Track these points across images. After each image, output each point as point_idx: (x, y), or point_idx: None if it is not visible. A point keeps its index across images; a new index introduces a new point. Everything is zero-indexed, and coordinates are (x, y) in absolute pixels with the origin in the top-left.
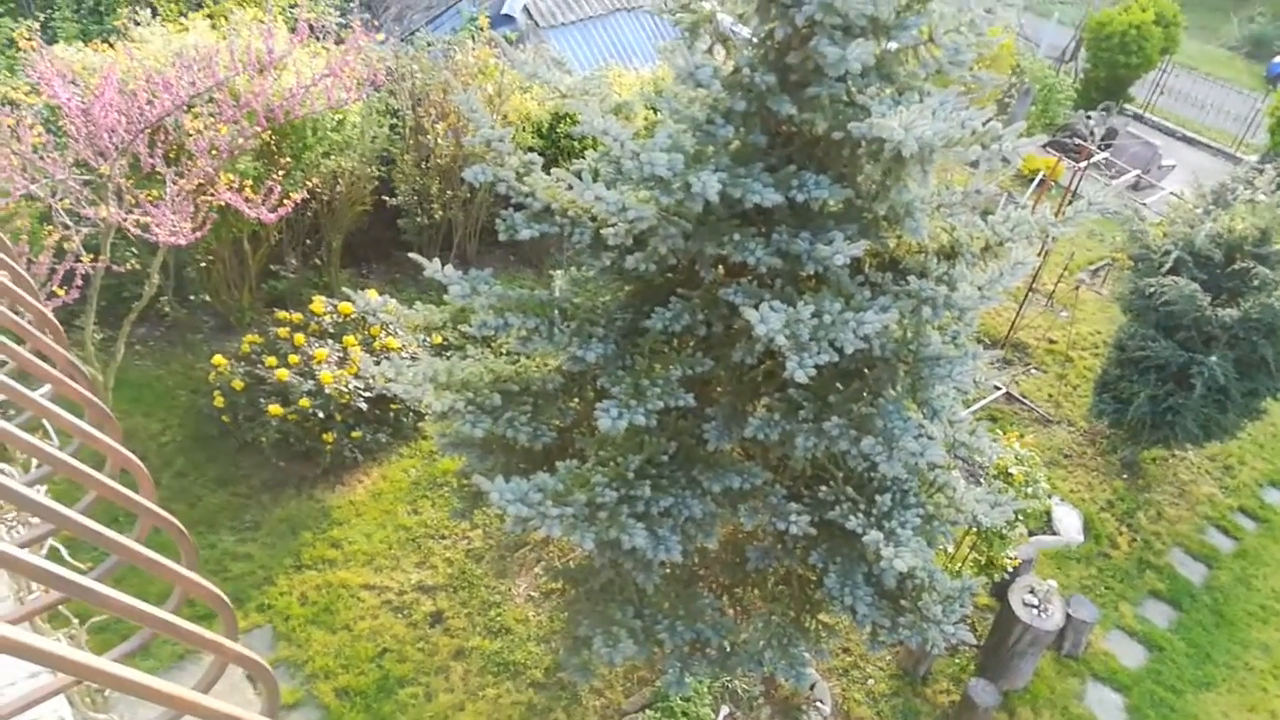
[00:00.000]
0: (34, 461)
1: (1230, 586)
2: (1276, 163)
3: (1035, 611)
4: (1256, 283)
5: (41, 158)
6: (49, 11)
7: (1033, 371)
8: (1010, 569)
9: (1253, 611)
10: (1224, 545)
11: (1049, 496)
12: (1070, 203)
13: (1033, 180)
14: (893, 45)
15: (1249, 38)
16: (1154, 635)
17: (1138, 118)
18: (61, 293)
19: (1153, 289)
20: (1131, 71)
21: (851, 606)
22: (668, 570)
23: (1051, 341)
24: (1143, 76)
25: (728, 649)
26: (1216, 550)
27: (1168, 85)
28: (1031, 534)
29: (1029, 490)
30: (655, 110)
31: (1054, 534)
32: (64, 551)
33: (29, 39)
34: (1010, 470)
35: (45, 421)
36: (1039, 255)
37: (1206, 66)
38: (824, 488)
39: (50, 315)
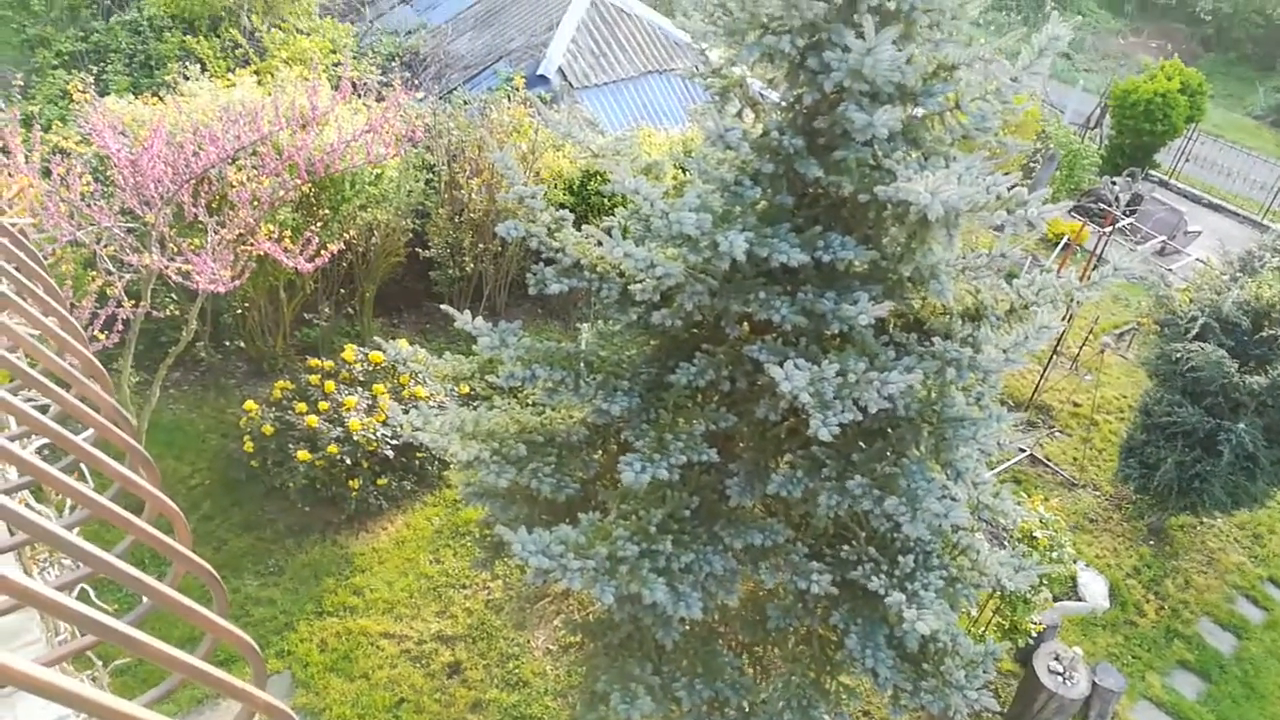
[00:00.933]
0: (68, 504)
1: (1261, 659)
2: None
3: (1060, 679)
4: None
5: (89, 205)
6: (102, 65)
7: (1057, 434)
8: (1035, 634)
9: None
10: (1254, 616)
11: (1074, 561)
12: (1095, 267)
13: (1058, 244)
14: (919, 111)
15: (1274, 107)
16: (1182, 707)
17: (1163, 184)
18: (102, 337)
19: (1179, 355)
20: (1157, 139)
21: (873, 669)
22: (687, 627)
23: (1076, 405)
24: (1168, 144)
25: (746, 709)
26: (1246, 620)
27: (1194, 153)
28: (1056, 599)
29: (1053, 555)
30: (684, 170)
31: (1079, 600)
32: (91, 593)
33: (82, 91)
34: (1035, 534)
35: (83, 465)
36: (1064, 319)
37: (1233, 135)
38: (846, 547)
39: (97, 363)
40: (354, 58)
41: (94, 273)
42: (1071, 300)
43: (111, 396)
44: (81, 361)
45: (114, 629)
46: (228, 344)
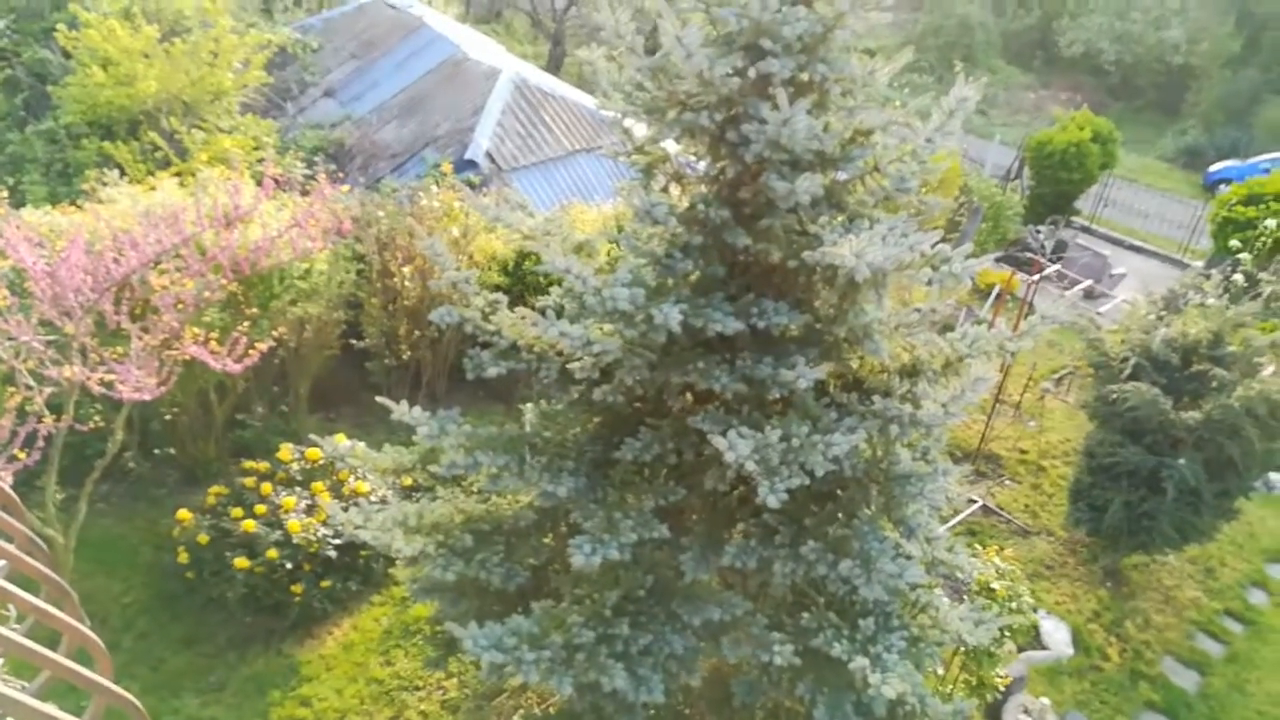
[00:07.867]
0: None
1: (1225, 693)
2: (1222, 266)
3: None
4: (1215, 384)
5: (4, 319)
6: (18, 176)
7: (1007, 483)
8: (1002, 688)
9: (1249, 719)
10: (1214, 650)
11: (1034, 610)
12: (1027, 315)
13: (990, 294)
14: (841, 176)
15: (1183, 149)
16: None
17: (1086, 230)
18: (22, 456)
19: (1115, 396)
20: (1075, 186)
21: None
22: (651, 712)
23: (1023, 452)
24: (1086, 190)
25: None
26: (1208, 656)
27: (1111, 197)
28: (1020, 650)
29: (1013, 605)
30: (617, 244)
31: (1043, 649)
32: None
33: None
34: (992, 585)
35: None
36: (1001, 368)
37: (1146, 178)
38: (806, 615)
39: (9, 491)
40: (277, 153)
41: (12, 389)
42: (1005, 351)
43: (24, 524)
44: None
45: None
46: (158, 452)
